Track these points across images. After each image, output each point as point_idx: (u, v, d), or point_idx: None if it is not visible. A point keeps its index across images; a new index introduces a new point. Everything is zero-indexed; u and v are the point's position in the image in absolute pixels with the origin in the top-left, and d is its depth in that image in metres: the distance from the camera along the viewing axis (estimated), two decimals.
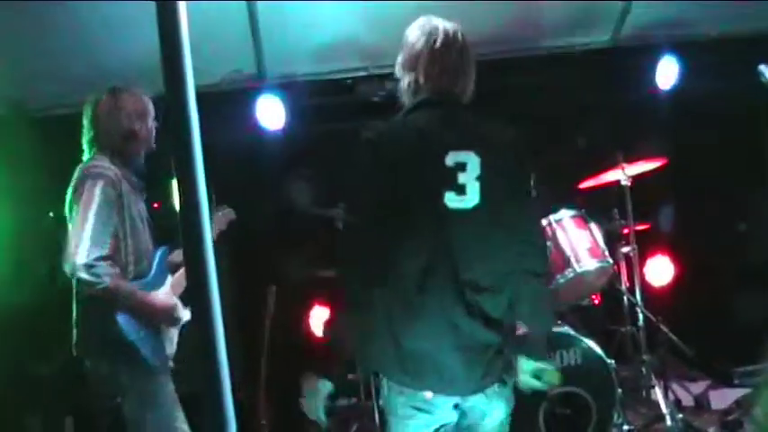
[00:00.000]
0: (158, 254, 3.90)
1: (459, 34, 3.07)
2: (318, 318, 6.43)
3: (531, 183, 3.05)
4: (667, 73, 6.12)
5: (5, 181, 5.68)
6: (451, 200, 2.88)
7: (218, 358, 1.28)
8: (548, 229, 5.01)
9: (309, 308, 6.48)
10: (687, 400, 5.63)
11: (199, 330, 1.29)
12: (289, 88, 6.26)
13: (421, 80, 3.02)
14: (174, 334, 3.86)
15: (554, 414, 4.81)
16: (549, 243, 4.82)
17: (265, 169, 6.65)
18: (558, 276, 4.94)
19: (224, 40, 5.58)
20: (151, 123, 3.93)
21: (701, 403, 5.65)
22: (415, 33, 3.07)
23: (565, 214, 5.06)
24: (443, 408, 2.94)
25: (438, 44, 3.02)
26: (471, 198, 2.89)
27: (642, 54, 6.27)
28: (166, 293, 3.85)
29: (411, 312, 2.86)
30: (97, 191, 3.57)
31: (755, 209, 6.56)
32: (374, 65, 6.19)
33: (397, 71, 3.13)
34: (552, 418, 4.82)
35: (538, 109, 6.33)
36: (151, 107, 3.93)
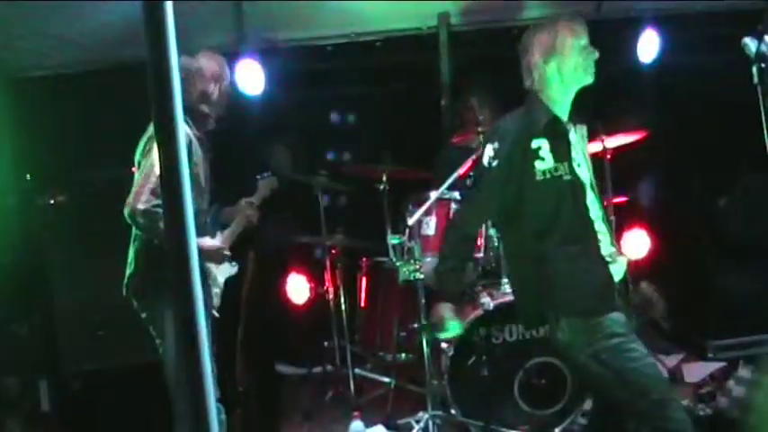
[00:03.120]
0: (212, 210, 4.20)
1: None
2: (295, 285, 6.40)
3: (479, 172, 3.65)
4: (649, 46, 6.10)
5: None
6: None
7: (198, 336, 1.28)
8: None
9: (287, 274, 6.46)
10: None
11: (179, 310, 1.29)
12: (269, 53, 6.19)
13: None
14: (219, 286, 4.17)
15: (529, 384, 4.84)
16: None
17: (243, 134, 6.59)
18: None
19: (205, 3, 5.52)
20: (225, 87, 4.14)
21: (675, 376, 5.70)
22: None
23: None
24: None
25: None
26: None
27: (624, 27, 6.25)
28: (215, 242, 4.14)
29: None
30: None
31: (734, 183, 6.57)
32: (356, 31, 6.11)
33: None
34: (528, 389, 4.85)
35: (519, 80, 6.29)
36: (227, 70, 4.15)
